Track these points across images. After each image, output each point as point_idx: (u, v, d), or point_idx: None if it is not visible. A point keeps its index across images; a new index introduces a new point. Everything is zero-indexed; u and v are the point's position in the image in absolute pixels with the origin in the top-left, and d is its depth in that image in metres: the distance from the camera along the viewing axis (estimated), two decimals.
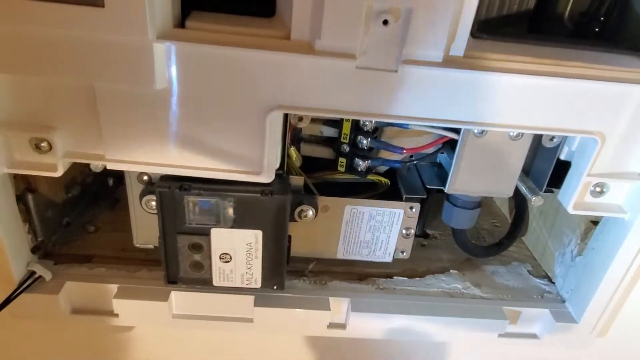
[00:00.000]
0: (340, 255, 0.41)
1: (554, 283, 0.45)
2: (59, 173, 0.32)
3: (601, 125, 0.32)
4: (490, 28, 0.37)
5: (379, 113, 0.31)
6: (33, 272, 0.38)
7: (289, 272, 0.41)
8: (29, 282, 0.37)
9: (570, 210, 0.36)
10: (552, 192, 0.39)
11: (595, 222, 0.40)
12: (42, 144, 0.31)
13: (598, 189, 0.35)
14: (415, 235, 0.48)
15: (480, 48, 0.30)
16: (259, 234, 0.34)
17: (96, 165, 0.35)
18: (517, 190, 0.41)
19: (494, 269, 0.46)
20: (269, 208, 0.34)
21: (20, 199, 0.37)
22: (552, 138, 0.36)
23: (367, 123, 0.36)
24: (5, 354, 0.43)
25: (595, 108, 0.31)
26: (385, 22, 0.27)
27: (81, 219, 0.46)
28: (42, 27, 0.27)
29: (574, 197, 0.35)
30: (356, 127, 0.37)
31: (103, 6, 0.26)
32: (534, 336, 0.43)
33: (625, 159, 0.34)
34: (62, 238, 0.43)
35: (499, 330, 0.41)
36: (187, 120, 0.31)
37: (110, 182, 0.50)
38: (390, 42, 0.28)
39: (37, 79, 0.30)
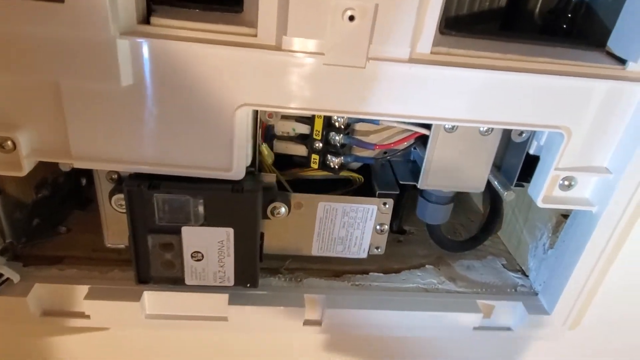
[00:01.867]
0: (315, 252, 0.41)
1: (527, 276, 0.46)
2: (23, 172, 0.31)
3: (567, 119, 0.33)
4: (461, 25, 0.38)
5: (348, 110, 0.31)
6: (0, 275, 0.37)
7: (264, 269, 0.41)
8: None
9: (540, 203, 0.36)
10: (522, 186, 0.39)
11: (565, 215, 0.41)
12: (6, 143, 0.31)
13: (566, 183, 0.36)
14: (392, 232, 0.48)
15: (448, 44, 0.31)
16: (230, 231, 0.34)
17: (65, 165, 0.35)
18: (490, 186, 0.41)
19: (469, 264, 0.47)
20: (240, 205, 0.33)
21: None
22: (521, 133, 0.37)
23: (339, 119, 0.36)
24: None
25: (561, 103, 0.32)
26: (351, 19, 0.27)
27: (52, 220, 0.45)
28: (2, 23, 0.26)
29: (543, 190, 0.36)
30: (328, 123, 0.37)
31: (63, 1, 0.25)
32: (508, 329, 0.43)
33: (591, 152, 0.35)
34: (32, 239, 0.42)
35: (473, 323, 0.41)
36: (155, 117, 0.30)
37: (83, 182, 0.49)
38: (356, 39, 0.29)
39: None
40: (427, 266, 0.45)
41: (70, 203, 0.47)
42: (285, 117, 0.37)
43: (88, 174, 0.47)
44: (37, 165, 0.33)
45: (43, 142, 0.31)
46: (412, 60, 0.30)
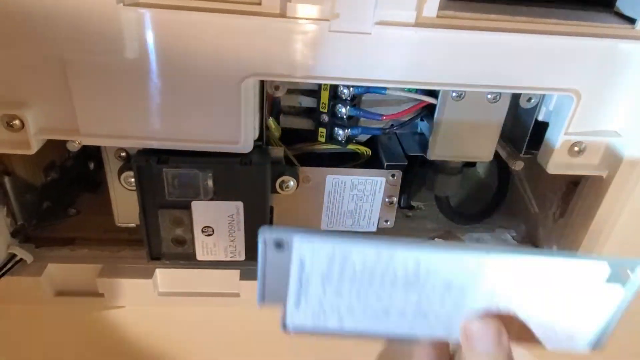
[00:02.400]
0: (324, 226, 0.41)
1: (537, 247, 0.46)
2: (32, 151, 0.31)
3: (576, 82, 0.32)
4: None
5: (354, 77, 0.31)
6: (14, 255, 0.37)
7: None
8: (10, 265, 0.37)
9: (550, 170, 0.36)
10: (531, 154, 0.39)
11: (575, 183, 0.41)
12: (14, 122, 0.31)
13: (576, 148, 0.35)
14: (400, 207, 0.48)
15: (454, 8, 0.30)
16: (240, 205, 0.34)
17: (73, 145, 0.35)
18: (498, 157, 0.41)
19: (478, 236, 0.47)
20: (249, 178, 0.33)
21: None
22: (529, 99, 0.36)
23: (344, 91, 0.36)
24: None
25: (570, 65, 0.32)
26: None
27: (62, 203, 0.45)
28: None
29: (553, 157, 0.35)
30: (334, 95, 0.36)
31: None
32: None
33: (601, 116, 0.34)
34: (43, 222, 0.42)
35: None
36: (161, 90, 0.30)
37: (92, 165, 0.49)
38: (362, 4, 0.28)
39: (4, 54, 0.29)
40: (436, 239, 0.45)
41: (80, 186, 0.47)
42: (291, 91, 0.37)
43: (96, 157, 0.48)
44: (45, 147, 0.33)
45: (51, 120, 0.31)
46: (418, 24, 0.29)
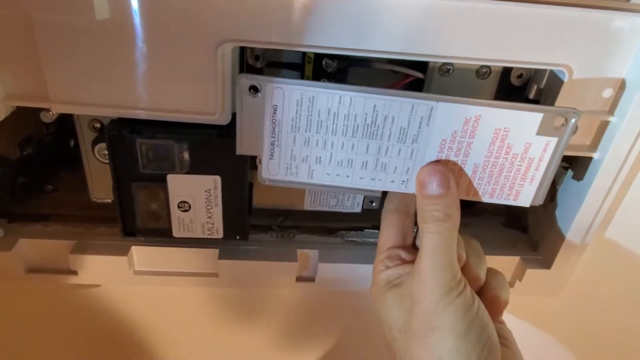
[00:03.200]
0: (307, 206, 0.40)
1: (526, 232, 0.45)
2: (0, 117, 0.30)
3: (568, 56, 0.31)
4: None
5: (337, 46, 0.29)
6: None
7: (255, 227, 0.40)
8: None
9: None
10: None
11: (565, 167, 0.40)
12: None
13: None
14: None
15: None
16: (217, 179, 0.33)
17: (47, 115, 0.33)
18: None
19: (467, 221, 0.46)
20: (227, 151, 0.32)
21: None
22: (519, 75, 0.35)
23: (330, 64, 0.35)
24: None
25: (561, 37, 0.30)
26: None
27: (38, 179, 0.44)
28: None
29: None
30: (319, 69, 0.35)
31: None
32: None
33: (593, 94, 0.33)
34: (17, 198, 0.41)
35: None
36: (134, 56, 0.29)
37: (72, 143, 0.48)
38: None
39: None
40: None
41: (58, 163, 0.46)
42: (273, 63, 0.35)
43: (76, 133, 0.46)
44: (19, 121, 0.32)
45: (20, 85, 0.30)
46: None
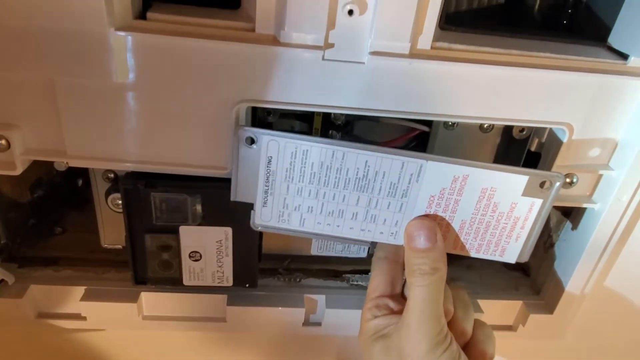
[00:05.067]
0: (314, 251, 0.40)
1: (529, 275, 0.45)
2: (17, 171, 0.31)
3: (569, 115, 0.32)
4: (461, 21, 0.37)
5: (347, 106, 0.31)
6: None
7: (262, 270, 0.40)
8: None
9: None
10: None
11: (567, 213, 0.41)
12: (0, 142, 0.30)
13: (568, 180, 0.35)
14: None
15: (448, 39, 0.30)
16: (228, 230, 0.34)
17: (60, 164, 0.34)
18: None
19: (469, 263, 0.46)
20: (238, 204, 0.33)
21: None
22: (522, 130, 0.36)
23: (338, 117, 0.36)
24: None
25: (562, 98, 0.32)
26: (350, 13, 0.27)
27: (48, 221, 0.44)
28: None
29: None
30: (327, 121, 0.36)
31: None
32: (509, 328, 0.43)
33: (593, 149, 0.34)
34: (28, 240, 0.41)
35: None
36: (151, 114, 0.30)
37: (80, 182, 0.48)
38: (356, 33, 0.28)
39: None
40: None
41: (67, 204, 0.46)
42: (284, 115, 0.37)
43: (84, 174, 0.47)
44: (32, 165, 0.32)
45: (38, 140, 0.31)
46: (412, 55, 0.29)
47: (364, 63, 0.29)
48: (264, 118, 0.35)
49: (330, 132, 0.36)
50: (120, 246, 0.38)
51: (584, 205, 0.36)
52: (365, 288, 0.42)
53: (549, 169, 0.34)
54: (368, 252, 0.41)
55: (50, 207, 0.45)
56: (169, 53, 0.28)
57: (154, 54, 0.28)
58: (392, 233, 0.31)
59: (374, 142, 0.37)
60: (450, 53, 0.30)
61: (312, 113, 0.36)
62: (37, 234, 0.42)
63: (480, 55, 0.30)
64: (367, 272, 0.43)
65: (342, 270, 0.43)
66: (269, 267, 0.41)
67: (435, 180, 0.29)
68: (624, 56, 0.32)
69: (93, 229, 0.39)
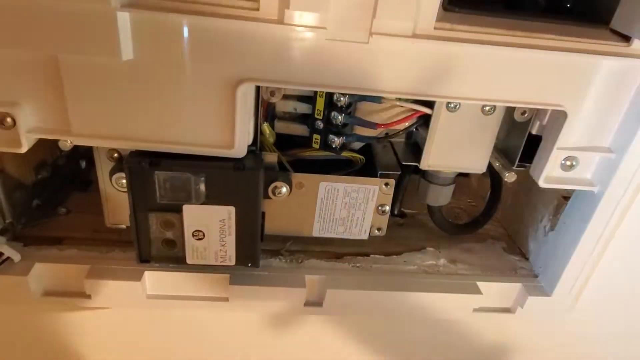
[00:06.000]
0: (316, 233, 0.41)
1: (527, 259, 0.46)
2: (23, 149, 0.31)
3: (570, 97, 0.32)
4: (465, 3, 0.37)
5: (350, 86, 0.31)
6: (1, 254, 0.37)
7: (264, 251, 0.41)
8: None
9: (542, 184, 0.36)
10: (524, 167, 0.39)
11: (566, 197, 0.41)
12: (6, 120, 0.30)
13: (568, 163, 0.35)
14: (393, 215, 0.48)
15: (451, 20, 0.30)
16: (232, 210, 0.34)
17: (65, 144, 0.34)
18: (491, 169, 0.41)
19: (469, 246, 0.47)
20: (242, 183, 0.33)
21: None
22: (523, 112, 0.36)
23: (340, 98, 0.36)
24: None
25: (564, 80, 0.32)
26: None
27: (52, 202, 0.44)
28: None
29: (545, 171, 0.36)
30: (330, 102, 0.36)
31: None
32: (507, 310, 0.44)
33: (594, 132, 0.34)
34: (32, 220, 0.42)
35: (473, 305, 0.42)
36: (155, 93, 0.30)
37: (83, 164, 0.49)
38: (359, 13, 0.28)
39: None
40: (427, 248, 0.45)
41: (70, 185, 0.47)
42: (287, 96, 0.37)
43: (88, 156, 0.47)
44: (36, 146, 0.32)
45: (43, 119, 0.31)
46: (415, 36, 0.29)
47: (367, 43, 0.29)
48: (268, 99, 0.35)
49: (332, 113, 0.36)
50: (124, 226, 0.39)
51: (584, 189, 0.37)
52: (366, 270, 0.42)
53: (549, 151, 0.35)
54: (369, 234, 0.41)
55: (54, 188, 0.45)
56: (173, 31, 0.28)
57: (158, 32, 0.28)
58: None
59: (376, 124, 0.37)
60: (453, 34, 0.30)
61: (315, 94, 0.36)
62: (42, 214, 0.43)
63: (483, 36, 0.30)
64: (367, 254, 0.43)
65: (343, 252, 0.43)
66: (272, 247, 0.42)
67: None
68: (626, 38, 0.32)
69: (96, 210, 0.39)
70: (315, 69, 0.30)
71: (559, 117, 0.34)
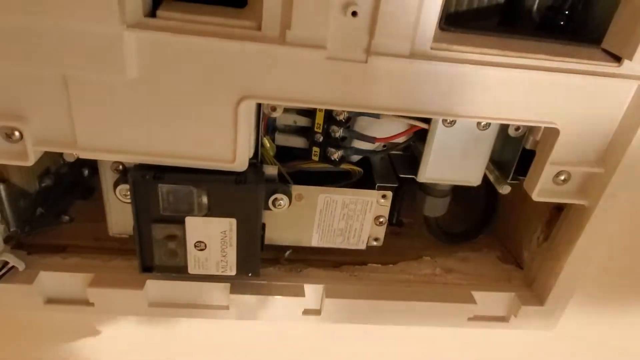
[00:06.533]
0: (315, 243, 0.42)
1: (521, 268, 0.47)
2: (30, 162, 0.32)
3: (562, 115, 0.33)
4: (461, 21, 0.38)
5: (349, 104, 0.32)
6: (6, 263, 0.37)
7: (264, 260, 0.42)
8: (2, 273, 0.37)
9: (535, 197, 0.37)
10: (518, 180, 0.40)
11: (559, 209, 0.42)
12: (13, 133, 0.31)
13: (561, 177, 0.36)
14: (391, 224, 0.49)
15: (448, 40, 0.31)
16: (233, 222, 0.35)
17: (70, 155, 0.35)
18: (487, 180, 0.42)
19: (465, 255, 0.48)
20: (243, 196, 0.34)
21: None
22: (517, 128, 0.37)
23: (340, 113, 0.37)
24: None
25: (556, 99, 0.33)
26: (354, 14, 0.28)
27: (55, 209, 0.45)
28: (11, 15, 0.27)
29: (538, 184, 0.36)
30: (329, 117, 0.37)
31: None
32: (502, 319, 0.45)
33: (585, 148, 0.35)
34: (36, 228, 0.42)
35: (468, 314, 0.42)
36: (160, 109, 0.31)
37: (86, 172, 0.50)
38: (358, 34, 0.29)
39: (6, 68, 0.29)
40: (423, 258, 0.46)
41: (73, 193, 0.48)
42: (287, 110, 0.37)
43: (91, 164, 0.48)
44: (41, 155, 0.33)
45: (49, 132, 0.32)
46: (412, 56, 0.30)
47: (365, 62, 0.30)
48: (269, 113, 0.36)
49: (332, 127, 0.37)
50: (126, 235, 0.39)
51: (575, 202, 0.38)
52: (364, 278, 0.43)
53: (542, 166, 0.36)
54: (367, 244, 0.42)
55: (57, 196, 0.46)
56: (177, 50, 0.29)
57: (164, 52, 0.29)
58: None
59: (374, 138, 0.38)
60: (449, 54, 0.31)
61: (315, 108, 0.37)
62: (45, 222, 0.44)
63: (478, 57, 0.31)
64: (365, 263, 0.44)
65: (342, 261, 0.44)
66: (272, 257, 0.43)
67: None
68: (617, 59, 0.33)
69: (99, 218, 0.40)
70: (316, 87, 0.31)
71: (552, 134, 0.35)
